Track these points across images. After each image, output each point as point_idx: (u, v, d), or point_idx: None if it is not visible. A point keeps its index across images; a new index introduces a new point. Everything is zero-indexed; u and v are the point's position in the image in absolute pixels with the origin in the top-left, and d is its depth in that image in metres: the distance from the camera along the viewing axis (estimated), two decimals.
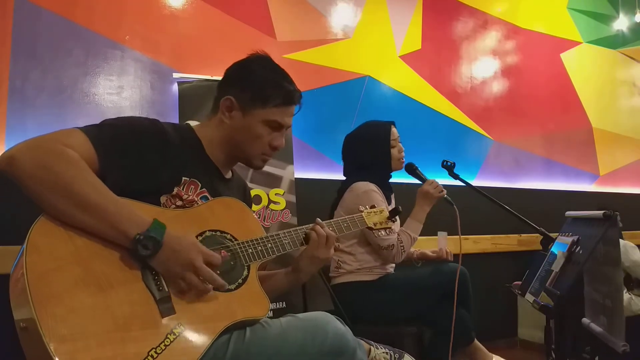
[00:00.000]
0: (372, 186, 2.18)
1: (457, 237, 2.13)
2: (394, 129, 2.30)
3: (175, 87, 2.58)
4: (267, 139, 1.32)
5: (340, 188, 2.29)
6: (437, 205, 2.26)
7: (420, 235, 2.24)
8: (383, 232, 1.58)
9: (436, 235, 2.43)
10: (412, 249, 2.38)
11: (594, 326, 1.54)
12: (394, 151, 2.27)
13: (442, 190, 2.23)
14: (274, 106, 1.30)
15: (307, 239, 1.35)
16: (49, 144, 1.01)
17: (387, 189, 2.29)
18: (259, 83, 1.30)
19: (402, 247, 2.12)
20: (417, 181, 2.32)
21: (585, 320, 1.63)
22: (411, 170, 2.31)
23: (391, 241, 2.10)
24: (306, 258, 1.35)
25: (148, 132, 1.17)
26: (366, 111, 3.21)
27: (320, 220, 1.37)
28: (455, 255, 2.16)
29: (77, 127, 1.09)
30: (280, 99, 1.31)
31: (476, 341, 2.26)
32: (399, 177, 2.42)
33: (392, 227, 1.66)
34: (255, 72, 1.32)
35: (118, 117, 1.18)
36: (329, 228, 1.37)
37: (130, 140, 1.13)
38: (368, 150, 2.27)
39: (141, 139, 1.15)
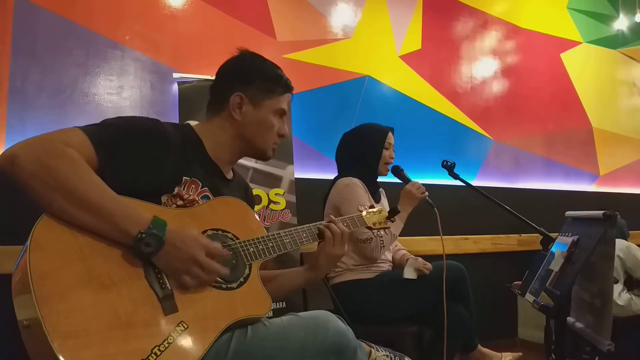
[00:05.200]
0: (355, 180, 2.22)
1: (440, 237, 2.11)
2: (391, 135, 2.35)
3: (175, 87, 2.58)
4: (276, 128, 1.37)
5: (329, 186, 2.33)
6: (420, 210, 2.28)
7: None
8: (383, 232, 1.61)
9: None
10: (402, 251, 2.41)
11: (578, 325, 1.55)
12: (385, 153, 2.32)
13: (424, 192, 2.26)
14: (279, 95, 1.36)
15: (321, 235, 1.37)
16: (50, 144, 1.01)
17: (374, 186, 2.33)
18: (261, 75, 1.35)
19: (381, 242, 2.14)
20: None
21: (569, 319, 1.63)
22: (397, 172, 2.36)
23: (369, 235, 2.11)
24: (323, 255, 1.37)
25: (148, 131, 1.17)
26: (366, 111, 3.21)
27: (334, 218, 1.40)
28: (438, 256, 2.17)
29: (77, 127, 1.09)
30: (282, 87, 1.37)
31: (480, 347, 2.26)
32: (387, 178, 2.44)
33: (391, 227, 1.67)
34: (255, 66, 1.37)
35: (118, 117, 1.18)
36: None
37: (130, 140, 1.13)
38: (361, 147, 2.32)
39: (141, 138, 1.15)
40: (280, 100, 1.36)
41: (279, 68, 1.39)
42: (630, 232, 3.29)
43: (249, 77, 1.34)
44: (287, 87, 1.38)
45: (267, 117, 1.34)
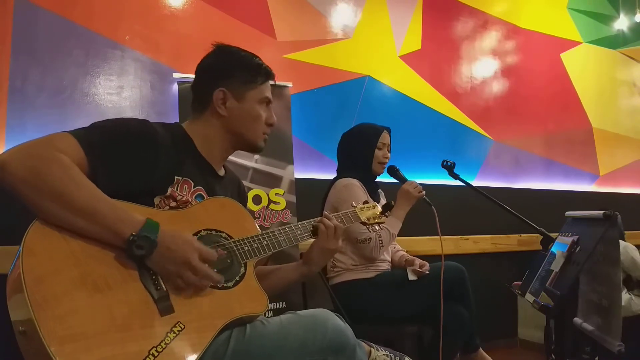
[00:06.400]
0: (354, 181, 2.22)
1: (438, 237, 2.11)
2: (386, 134, 2.34)
3: (175, 87, 2.58)
4: (264, 117, 1.37)
5: (328, 187, 2.33)
6: (420, 210, 2.27)
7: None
8: (377, 227, 1.62)
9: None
10: (400, 252, 2.40)
11: (586, 326, 1.55)
12: (378, 153, 2.30)
13: (421, 191, 2.26)
14: (260, 84, 1.36)
15: (315, 231, 1.38)
16: (40, 149, 1.01)
17: (372, 186, 2.32)
18: (241, 67, 1.35)
19: (380, 242, 2.14)
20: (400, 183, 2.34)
21: (577, 320, 1.63)
22: (392, 171, 2.35)
23: (368, 234, 2.11)
24: (317, 250, 1.38)
25: (138, 132, 1.16)
26: (366, 111, 3.21)
27: (328, 214, 1.42)
28: (438, 256, 2.16)
29: (66, 131, 1.08)
30: (263, 76, 1.36)
31: (481, 350, 2.25)
32: (384, 178, 2.44)
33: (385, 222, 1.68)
34: (233, 59, 1.36)
35: (107, 119, 1.17)
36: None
37: (120, 142, 1.12)
38: (356, 147, 2.33)
39: (131, 140, 1.14)
40: (263, 89, 1.36)
41: (257, 57, 1.38)
42: (630, 232, 3.29)
43: (229, 71, 1.33)
44: (268, 75, 1.37)
45: (253, 108, 1.34)
